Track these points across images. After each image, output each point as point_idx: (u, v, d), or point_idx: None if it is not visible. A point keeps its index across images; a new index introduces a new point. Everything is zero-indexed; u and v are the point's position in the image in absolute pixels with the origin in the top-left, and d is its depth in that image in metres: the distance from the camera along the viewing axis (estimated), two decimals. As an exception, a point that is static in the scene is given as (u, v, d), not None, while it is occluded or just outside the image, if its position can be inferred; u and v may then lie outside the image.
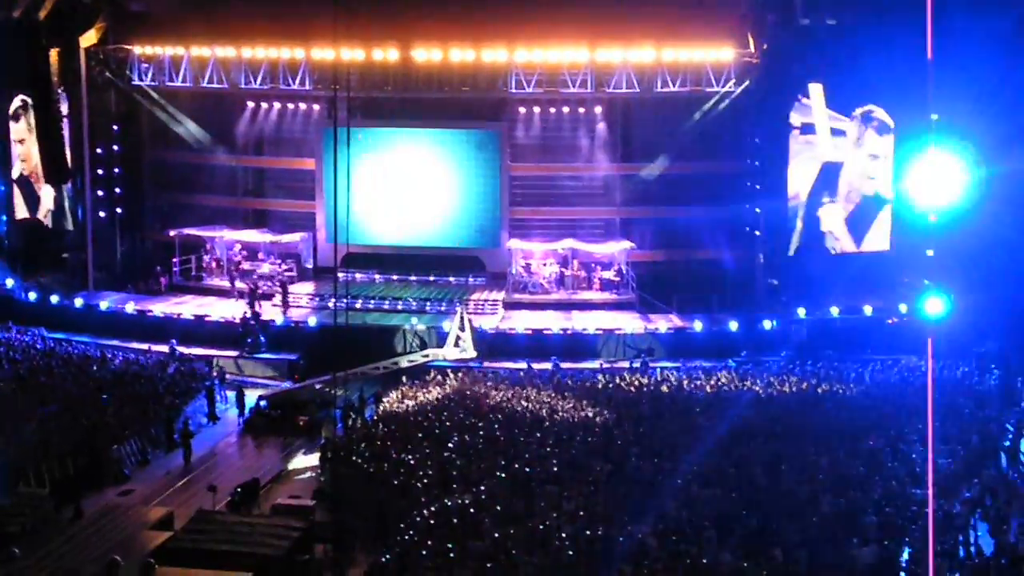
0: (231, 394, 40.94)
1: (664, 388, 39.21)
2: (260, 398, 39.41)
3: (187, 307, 49.94)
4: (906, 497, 24.78)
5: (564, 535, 22.49)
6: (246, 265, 54.77)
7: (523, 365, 44.04)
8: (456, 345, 45.42)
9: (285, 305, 50.08)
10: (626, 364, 44.37)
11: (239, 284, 52.49)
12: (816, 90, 48.89)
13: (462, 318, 46.12)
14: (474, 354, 45.17)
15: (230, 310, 49.19)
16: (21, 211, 56.76)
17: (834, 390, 38.34)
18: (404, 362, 44.39)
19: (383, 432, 32.95)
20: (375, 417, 36.62)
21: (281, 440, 36.44)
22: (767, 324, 46.61)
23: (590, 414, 34.46)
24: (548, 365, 43.69)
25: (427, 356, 44.96)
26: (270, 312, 48.69)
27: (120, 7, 54.96)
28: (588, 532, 22.62)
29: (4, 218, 56.32)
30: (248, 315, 46.78)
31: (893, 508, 24.07)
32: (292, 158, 56.74)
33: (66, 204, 54.79)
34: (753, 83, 50.30)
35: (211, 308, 49.73)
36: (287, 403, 38.86)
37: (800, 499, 24.95)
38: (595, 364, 44.40)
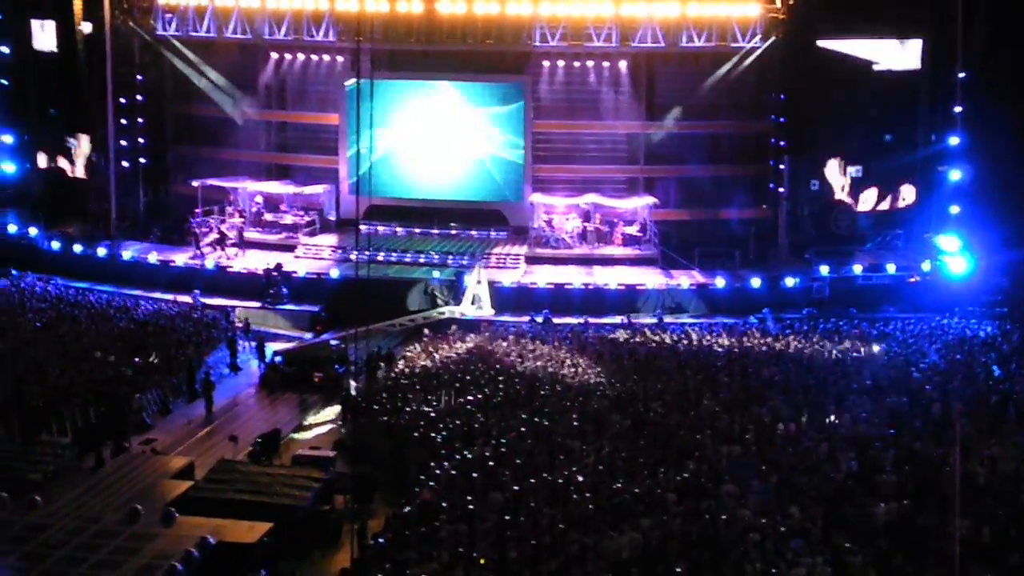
0: (253, 344, 40.96)
1: (684, 342, 39.17)
2: (275, 354, 39.11)
3: (209, 257, 49.86)
4: (926, 456, 24.71)
5: (584, 488, 22.55)
6: (268, 216, 54.63)
7: (526, 318, 44.25)
8: (473, 302, 45.35)
9: (223, 251, 49.96)
10: (646, 320, 44.27)
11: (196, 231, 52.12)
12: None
13: (479, 275, 46.03)
14: (491, 311, 45.11)
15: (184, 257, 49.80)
16: (44, 159, 56.96)
17: (855, 348, 38.22)
18: (420, 319, 44.37)
19: (404, 385, 33.05)
20: (393, 372, 36.66)
21: (298, 395, 36.42)
22: (790, 281, 46.38)
23: (611, 369, 34.45)
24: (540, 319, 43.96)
25: (443, 313, 44.91)
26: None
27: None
28: (608, 486, 22.67)
29: (28, 166, 56.43)
30: (271, 266, 46.82)
31: (913, 467, 24.01)
32: (316, 113, 56.20)
33: (90, 154, 54.87)
34: (779, 39, 49.76)
35: (233, 259, 49.68)
36: (302, 359, 38.60)
37: (820, 456, 24.94)
38: (616, 319, 44.32)
